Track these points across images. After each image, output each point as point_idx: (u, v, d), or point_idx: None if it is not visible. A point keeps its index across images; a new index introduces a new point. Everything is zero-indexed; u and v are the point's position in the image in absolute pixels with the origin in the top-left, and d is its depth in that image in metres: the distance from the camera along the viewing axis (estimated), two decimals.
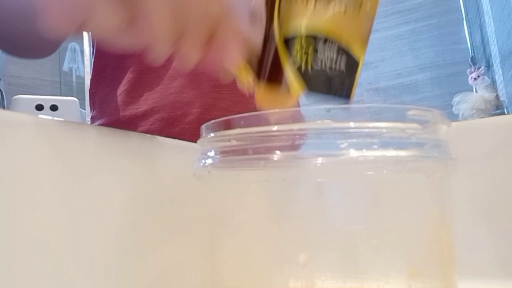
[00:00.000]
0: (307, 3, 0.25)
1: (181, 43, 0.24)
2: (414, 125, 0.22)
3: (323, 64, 0.23)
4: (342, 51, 0.25)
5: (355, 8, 0.26)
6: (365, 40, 0.26)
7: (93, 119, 0.61)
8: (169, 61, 0.55)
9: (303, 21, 0.25)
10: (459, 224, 0.25)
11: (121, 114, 0.56)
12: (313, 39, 0.25)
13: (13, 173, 0.20)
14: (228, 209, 0.26)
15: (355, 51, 0.25)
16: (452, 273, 0.24)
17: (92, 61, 0.62)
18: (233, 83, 0.55)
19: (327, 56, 0.24)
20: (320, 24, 0.25)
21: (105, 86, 0.59)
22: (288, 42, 0.25)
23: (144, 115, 0.55)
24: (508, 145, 0.35)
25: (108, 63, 0.59)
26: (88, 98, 0.64)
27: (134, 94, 0.56)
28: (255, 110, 0.26)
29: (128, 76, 0.56)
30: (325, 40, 0.25)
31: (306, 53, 0.23)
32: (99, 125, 0.58)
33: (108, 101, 0.58)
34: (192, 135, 0.27)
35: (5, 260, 0.19)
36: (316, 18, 0.25)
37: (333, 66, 0.22)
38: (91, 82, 0.62)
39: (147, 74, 0.56)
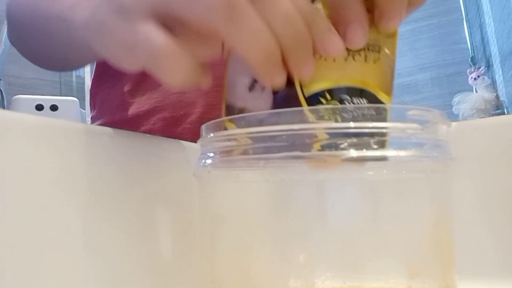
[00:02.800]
0: (326, 58, 0.24)
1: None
2: (414, 125, 0.22)
3: (353, 115, 0.22)
4: (370, 97, 0.24)
5: (375, 53, 0.25)
6: (390, 85, 0.26)
7: (93, 119, 0.61)
8: None
9: (327, 74, 0.24)
10: (459, 224, 0.25)
11: (123, 113, 0.56)
12: (339, 91, 0.24)
13: (13, 173, 0.20)
14: (228, 209, 0.26)
15: (382, 96, 0.25)
16: (452, 273, 0.24)
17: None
18: None
19: (356, 104, 0.24)
20: (344, 75, 0.24)
21: (107, 87, 0.59)
22: (311, 100, 0.24)
23: (146, 115, 0.55)
24: (508, 145, 0.35)
25: (111, 64, 0.59)
26: (88, 98, 0.63)
27: (136, 94, 0.56)
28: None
29: (131, 76, 0.56)
30: (351, 90, 0.24)
31: (334, 107, 0.22)
32: (100, 125, 0.58)
33: (110, 101, 0.58)
34: (194, 135, 0.27)
35: (5, 260, 0.19)
36: (339, 70, 0.24)
37: (362, 113, 0.22)
38: (92, 82, 0.62)
39: (150, 74, 0.56)
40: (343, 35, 0.24)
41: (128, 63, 0.24)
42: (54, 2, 0.35)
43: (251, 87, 0.25)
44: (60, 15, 0.33)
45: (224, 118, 0.24)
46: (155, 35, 0.22)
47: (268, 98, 0.24)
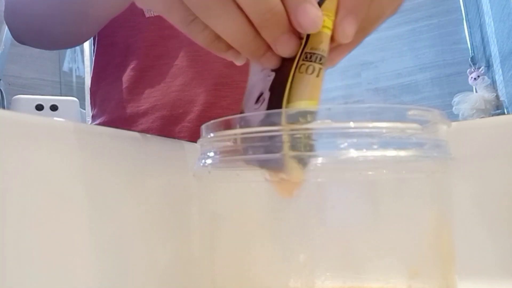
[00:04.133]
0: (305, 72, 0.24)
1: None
2: (414, 125, 0.22)
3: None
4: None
5: (321, 66, 0.24)
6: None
7: (94, 118, 0.61)
8: (171, 58, 0.55)
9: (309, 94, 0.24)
10: (459, 224, 0.25)
11: (122, 112, 0.56)
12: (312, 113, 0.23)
13: (13, 173, 0.20)
14: (228, 209, 0.26)
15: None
16: (452, 273, 0.24)
17: (93, 60, 0.62)
18: (234, 80, 0.55)
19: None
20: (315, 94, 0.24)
21: (107, 84, 0.59)
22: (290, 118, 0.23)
23: (146, 113, 0.55)
24: (508, 145, 0.35)
25: (110, 61, 0.59)
26: (88, 97, 0.63)
27: (135, 91, 0.56)
28: None
29: (130, 73, 0.56)
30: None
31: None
32: (100, 123, 0.58)
33: (109, 99, 0.58)
34: (193, 133, 0.27)
35: (4, 260, 0.19)
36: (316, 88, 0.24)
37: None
38: (92, 81, 0.62)
39: (149, 71, 0.56)
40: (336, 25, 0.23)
41: (176, 14, 0.24)
42: None
43: (257, 100, 0.25)
44: None
45: (256, 129, 0.23)
46: None
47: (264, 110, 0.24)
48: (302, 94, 0.23)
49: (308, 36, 0.23)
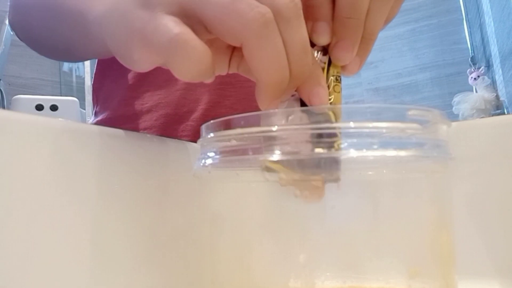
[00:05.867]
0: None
1: None
2: (414, 125, 0.22)
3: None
4: None
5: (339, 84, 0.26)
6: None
7: (96, 114, 0.61)
8: None
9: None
10: (459, 224, 0.25)
11: (125, 109, 0.56)
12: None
13: (13, 173, 0.20)
14: (228, 209, 0.26)
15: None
16: (452, 273, 0.24)
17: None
18: (238, 80, 0.55)
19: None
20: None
21: (111, 81, 0.59)
22: None
23: (149, 111, 0.55)
24: (508, 145, 0.35)
25: (115, 59, 0.59)
26: (88, 98, 0.63)
27: (140, 89, 0.56)
28: (259, 108, 0.26)
29: (135, 72, 0.56)
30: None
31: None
32: (102, 119, 0.58)
33: (113, 96, 0.58)
34: (197, 132, 0.27)
35: (4, 260, 0.19)
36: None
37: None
38: (95, 77, 0.62)
39: (154, 70, 0.56)
40: (310, 30, 0.24)
41: (140, 57, 0.24)
42: None
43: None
44: (76, 5, 0.32)
45: (256, 129, 0.23)
46: (174, 24, 0.22)
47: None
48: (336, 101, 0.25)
49: (330, 62, 0.26)
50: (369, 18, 0.25)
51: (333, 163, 0.22)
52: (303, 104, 0.25)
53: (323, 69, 0.25)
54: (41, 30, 0.43)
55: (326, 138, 0.21)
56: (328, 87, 0.25)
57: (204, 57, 0.21)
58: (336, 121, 0.22)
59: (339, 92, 0.26)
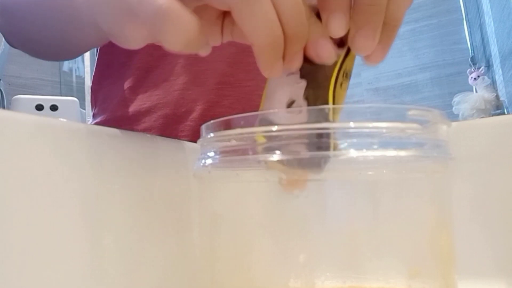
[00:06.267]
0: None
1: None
2: (414, 125, 0.22)
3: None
4: None
5: (348, 80, 0.26)
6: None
7: (94, 116, 0.61)
8: (175, 57, 0.55)
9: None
10: (459, 224, 0.25)
11: (124, 110, 0.56)
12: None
13: (13, 173, 0.20)
14: (228, 209, 0.26)
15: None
16: (452, 273, 0.24)
17: (96, 57, 0.62)
18: (237, 80, 0.56)
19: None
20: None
21: (109, 83, 0.59)
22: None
23: (148, 112, 0.55)
24: (508, 145, 0.35)
25: (114, 60, 0.59)
26: (88, 97, 0.63)
27: (138, 91, 0.56)
28: (257, 108, 0.26)
29: (134, 73, 0.56)
30: None
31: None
32: (100, 121, 0.58)
33: (111, 97, 0.58)
34: (196, 132, 0.27)
35: (4, 260, 0.19)
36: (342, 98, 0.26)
37: None
38: (94, 79, 0.62)
39: (153, 71, 0.56)
40: (325, 22, 0.24)
41: (131, 34, 0.24)
42: None
43: (289, 106, 0.25)
44: None
45: (256, 129, 0.23)
46: None
47: (303, 120, 0.24)
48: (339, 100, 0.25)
49: (345, 56, 0.25)
50: (391, 2, 0.24)
51: (322, 162, 0.22)
52: (309, 87, 0.24)
53: (336, 62, 0.25)
54: (31, 29, 0.43)
55: (324, 139, 0.21)
56: (336, 81, 0.25)
57: (191, 25, 0.21)
58: (334, 119, 0.22)
59: (345, 89, 0.26)
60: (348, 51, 0.25)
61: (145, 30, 0.23)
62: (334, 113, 0.23)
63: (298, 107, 0.24)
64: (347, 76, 0.26)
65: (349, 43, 0.24)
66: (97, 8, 0.26)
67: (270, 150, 0.22)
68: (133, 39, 0.24)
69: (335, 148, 0.21)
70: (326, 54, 0.23)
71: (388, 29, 0.25)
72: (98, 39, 0.32)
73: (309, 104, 0.24)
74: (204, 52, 0.25)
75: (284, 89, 0.25)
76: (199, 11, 0.23)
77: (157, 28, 0.21)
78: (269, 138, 0.22)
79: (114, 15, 0.24)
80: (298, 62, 0.24)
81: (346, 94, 0.26)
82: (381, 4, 0.24)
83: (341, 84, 0.25)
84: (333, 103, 0.24)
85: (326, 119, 0.22)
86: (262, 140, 0.22)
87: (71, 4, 0.30)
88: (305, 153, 0.21)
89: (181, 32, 0.21)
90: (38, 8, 0.39)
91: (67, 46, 0.42)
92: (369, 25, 0.24)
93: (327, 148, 0.21)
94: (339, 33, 0.24)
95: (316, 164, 0.22)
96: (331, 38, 0.24)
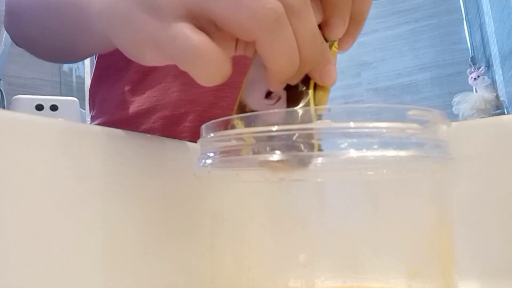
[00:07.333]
0: None
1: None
2: (414, 125, 0.22)
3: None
4: None
5: None
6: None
7: (93, 119, 0.61)
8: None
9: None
10: (459, 224, 0.25)
11: (123, 112, 0.56)
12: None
13: (13, 173, 0.20)
14: (228, 209, 0.26)
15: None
16: (452, 273, 0.24)
17: (95, 61, 0.62)
18: (234, 81, 0.56)
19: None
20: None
21: (108, 86, 0.59)
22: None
23: (146, 113, 0.55)
24: (508, 145, 0.35)
25: (112, 64, 0.59)
26: (88, 98, 0.63)
27: (137, 92, 0.56)
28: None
29: (132, 76, 0.56)
30: None
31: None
32: (99, 124, 0.58)
33: (110, 100, 0.58)
34: (195, 133, 0.28)
35: (4, 260, 0.19)
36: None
37: None
38: (92, 82, 0.62)
39: (151, 74, 0.56)
40: (324, 24, 0.26)
41: (153, 59, 0.24)
42: None
43: (267, 95, 0.26)
44: (74, 2, 0.32)
45: (235, 116, 0.24)
46: (191, 32, 0.22)
47: (281, 108, 0.25)
48: (321, 99, 0.26)
49: None
50: (355, 1, 0.27)
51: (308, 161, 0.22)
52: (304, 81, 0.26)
53: None
54: (38, 31, 0.43)
55: (306, 139, 0.21)
56: None
57: (225, 65, 0.22)
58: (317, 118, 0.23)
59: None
60: (330, 49, 0.27)
61: (171, 60, 0.24)
62: (316, 98, 0.24)
63: (276, 95, 0.26)
64: None
65: (321, 29, 0.26)
66: (111, 27, 0.26)
67: (260, 149, 0.22)
68: (153, 62, 0.25)
69: (318, 149, 0.22)
70: (330, 80, 0.25)
71: (355, 23, 0.27)
72: (106, 47, 0.33)
73: (290, 95, 0.25)
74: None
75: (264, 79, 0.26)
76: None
77: (190, 65, 0.22)
78: (260, 139, 0.22)
79: (135, 41, 0.25)
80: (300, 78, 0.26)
81: (329, 91, 0.27)
82: (347, 1, 0.26)
83: None
84: (314, 91, 0.25)
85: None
86: (251, 140, 0.23)
87: (81, 13, 0.31)
88: (305, 153, 0.21)
89: (215, 72, 0.22)
90: (46, 13, 0.39)
91: (73, 51, 0.42)
92: (338, 15, 0.26)
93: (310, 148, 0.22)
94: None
95: (306, 163, 0.22)
96: None
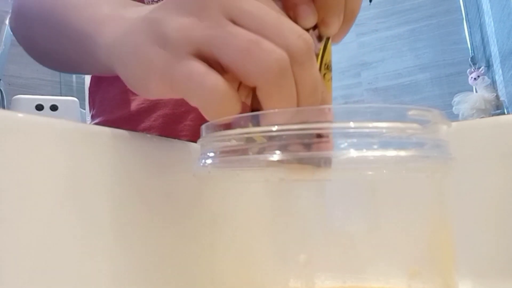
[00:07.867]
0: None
1: None
2: (414, 125, 0.22)
3: None
4: None
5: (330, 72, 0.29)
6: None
7: (93, 118, 0.61)
8: None
9: None
10: (459, 224, 0.25)
11: (123, 111, 0.56)
12: None
13: (13, 173, 0.20)
14: (228, 209, 0.26)
15: None
16: (452, 273, 0.24)
17: None
18: None
19: None
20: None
21: (107, 85, 0.59)
22: None
23: (147, 111, 0.55)
24: (508, 145, 0.35)
25: None
26: (88, 98, 0.63)
27: None
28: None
29: None
30: None
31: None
32: (99, 123, 0.58)
33: (110, 99, 0.58)
34: (195, 132, 0.28)
35: (3, 260, 0.19)
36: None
37: None
38: (91, 81, 0.62)
39: None
40: (319, 22, 0.27)
41: (158, 92, 0.25)
42: (80, 11, 0.34)
43: None
44: (84, 28, 0.32)
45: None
46: (205, 70, 0.23)
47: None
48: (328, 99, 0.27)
49: (324, 50, 0.28)
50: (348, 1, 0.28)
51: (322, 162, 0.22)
52: None
53: (317, 55, 0.27)
54: (44, 44, 0.43)
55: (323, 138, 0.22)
56: (319, 72, 0.26)
57: (236, 104, 0.23)
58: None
59: (329, 80, 0.28)
60: (325, 45, 0.28)
61: (178, 93, 0.24)
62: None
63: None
64: (328, 67, 0.28)
65: (319, 26, 0.27)
66: (119, 60, 0.27)
67: (270, 149, 0.22)
68: (157, 94, 0.25)
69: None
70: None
71: (347, 19, 0.29)
72: (109, 74, 0.33)
73: None
74: None
75: None
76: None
77: (202, 102, 0.23)
78: (269, 138, 0.22)
79: (142, 74, 0.25)
80: None
81: (332, 84, 0.28)
82: (341, 0, 0.27)
83: (324, 75, 0.27)
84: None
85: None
86: (261, 140, 0.23)
87: (90, 41, 0.31)
88: (305, 153, 0.21)
89: (225, 109, 0.23)
90: (55, 30, 0.39)
91: (76, 69, 0.43)
92: (333, 14, 0.27)
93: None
94: (309, 23, 0.27)
95: (316, 164, 0.22)
96: (309, 29, 0.27)
